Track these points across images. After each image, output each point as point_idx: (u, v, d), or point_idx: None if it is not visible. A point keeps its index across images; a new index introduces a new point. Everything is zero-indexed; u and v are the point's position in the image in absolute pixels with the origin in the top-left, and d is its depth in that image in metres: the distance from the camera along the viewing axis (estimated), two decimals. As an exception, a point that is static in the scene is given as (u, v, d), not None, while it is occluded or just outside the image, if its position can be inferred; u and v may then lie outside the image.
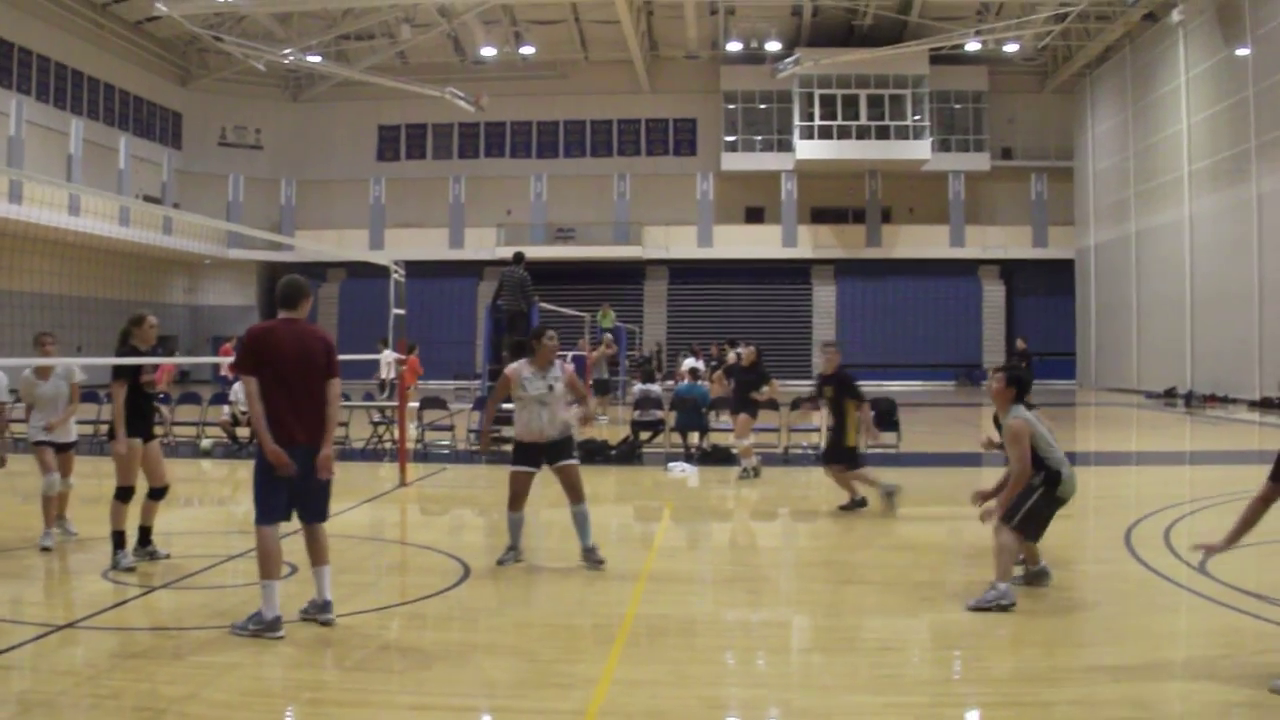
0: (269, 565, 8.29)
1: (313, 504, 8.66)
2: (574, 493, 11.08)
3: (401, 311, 17.55)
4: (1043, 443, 9.77)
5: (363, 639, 8.18)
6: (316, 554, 8.61)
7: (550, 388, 11.14)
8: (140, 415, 11.22)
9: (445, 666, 7.59)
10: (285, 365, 8.48)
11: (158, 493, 11.22)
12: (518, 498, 11.18)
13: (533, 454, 11.16)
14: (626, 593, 9.90)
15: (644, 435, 21.79)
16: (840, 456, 14.70)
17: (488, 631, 8.68)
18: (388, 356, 31.85)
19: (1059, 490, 9.67)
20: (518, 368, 11.30)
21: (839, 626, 8.94)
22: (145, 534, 11.10)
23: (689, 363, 31.99)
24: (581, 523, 11.10)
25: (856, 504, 14.56)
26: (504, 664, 7.78)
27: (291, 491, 8.49)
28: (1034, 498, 9.61)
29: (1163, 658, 7.94)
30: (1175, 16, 41.72)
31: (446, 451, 21.54)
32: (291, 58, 50.16)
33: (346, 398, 25.31)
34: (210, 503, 16.83)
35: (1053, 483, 9.68)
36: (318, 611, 8.55)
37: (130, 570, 10.45)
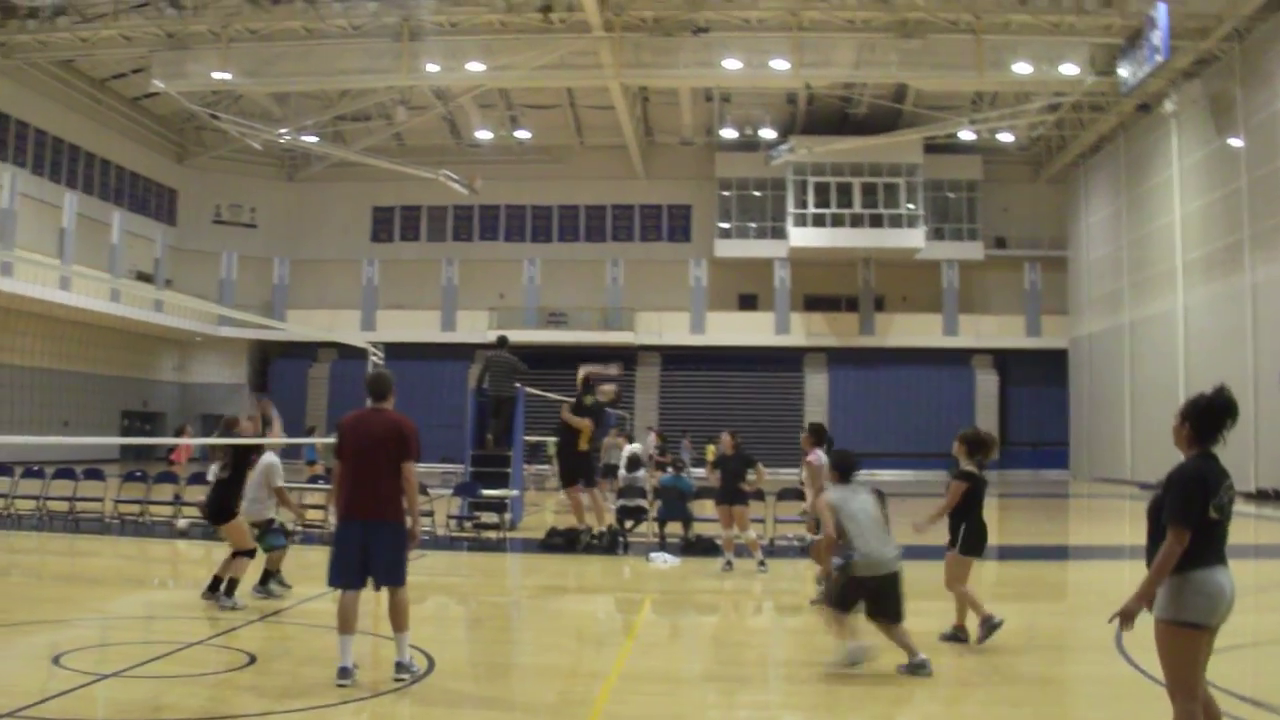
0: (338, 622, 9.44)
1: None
2: None
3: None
4: (851, 522, 10.59)
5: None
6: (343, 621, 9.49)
7: None
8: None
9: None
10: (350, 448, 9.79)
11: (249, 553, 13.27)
12: None
13: None
14: (595, 690, 9.55)
15: (629, 524, 21.43)
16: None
17: (447, 731, 8.33)
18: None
19: (857, 572, 10.32)
20: None
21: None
22: (233, 585, 13.01)
23: (630, 449, 30.18)
24: None
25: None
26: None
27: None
28: (839, 576, 10.54)
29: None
30: (1168, 107, 41.77)
31: (426, 537, 21.15)
32: (288, 137, 50.20)
33: (325, 480, 25.03)
34: (181, 585, 16.44)
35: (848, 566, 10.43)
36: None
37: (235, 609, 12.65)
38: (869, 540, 10.49)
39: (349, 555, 9.48)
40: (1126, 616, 6.17)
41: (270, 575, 14.11)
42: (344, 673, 9.19)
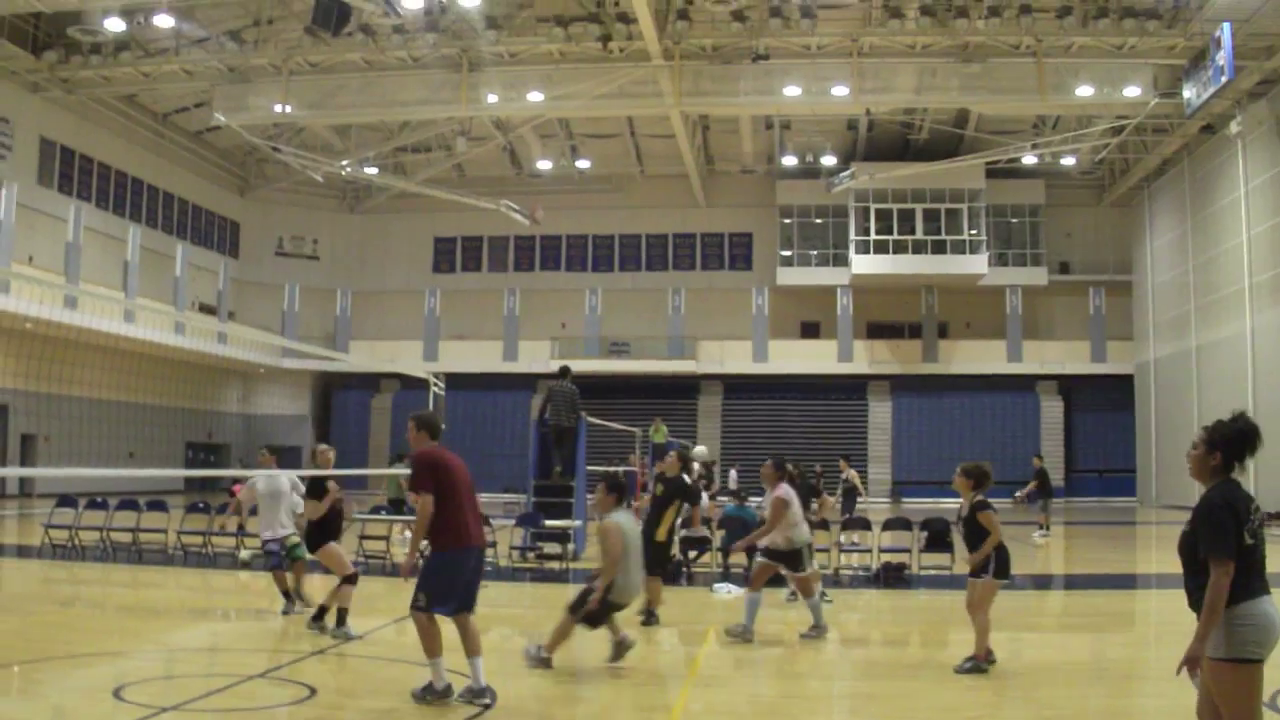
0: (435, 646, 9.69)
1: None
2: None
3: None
4: (627, 551, 11.47)
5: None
6: (473, 644, 9.84)
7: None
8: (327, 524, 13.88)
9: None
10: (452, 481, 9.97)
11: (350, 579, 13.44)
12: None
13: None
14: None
15: (691, 554, 21.31)
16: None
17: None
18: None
19: (612, 595, 11.33)
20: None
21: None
22: (342, 615, 13.19)
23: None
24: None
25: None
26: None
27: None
28: (597, 602, 11.28)
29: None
30: (1234, 128, 41.37)
31: (489, 569, 21.08)
32: (349, 169, 50.51)
33: (387, 510, 25.02)
34: (243, 617, 16.40)
35: (609, 590, 11.31)
36: (477, 696, 9.65)
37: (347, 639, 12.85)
38: (632, 570, 11.60)
39: (468, 581, 9.89)
40: (1193, 664, 6.00)
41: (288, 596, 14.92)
42: (483, 692, 9.63)
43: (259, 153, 54.39)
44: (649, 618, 14.54)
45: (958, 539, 19.96)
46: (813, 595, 13.64)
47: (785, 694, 11.25)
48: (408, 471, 10.90)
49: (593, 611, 11.29)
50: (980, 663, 11.31)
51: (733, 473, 44.75)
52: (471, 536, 9.94)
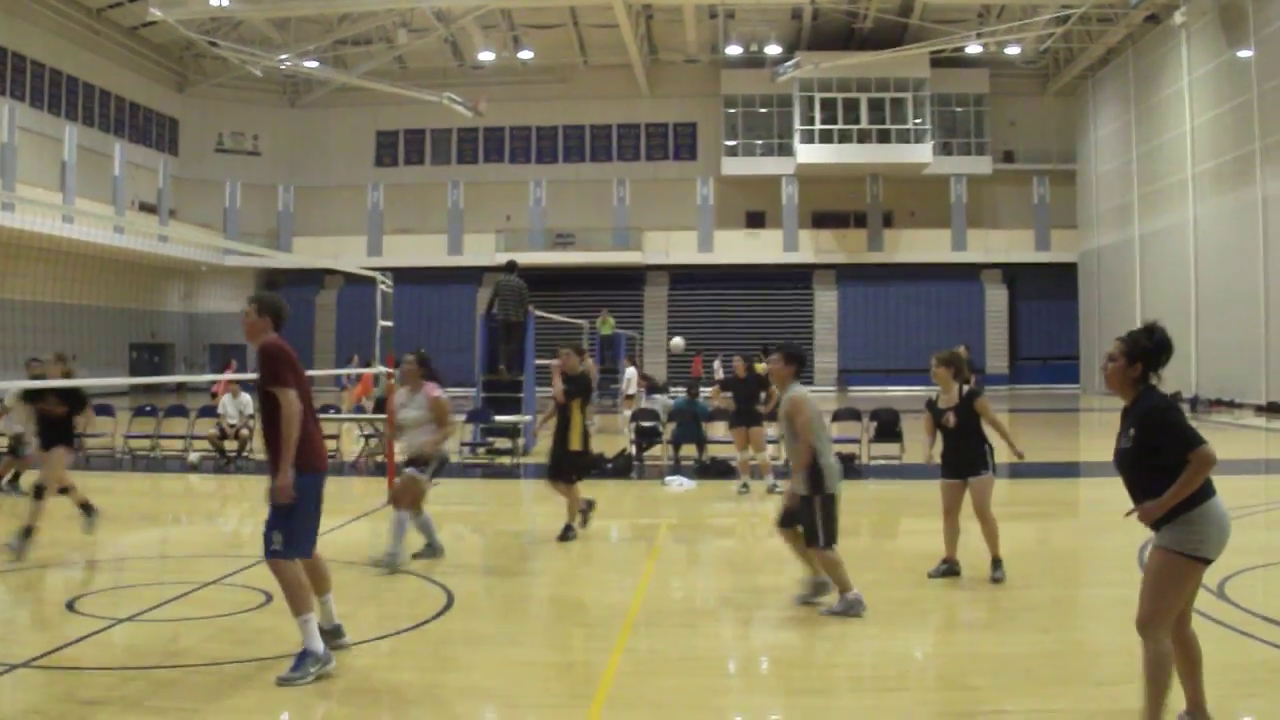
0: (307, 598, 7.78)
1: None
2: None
3: (389, 324, 17.09)
4: (819, 430, 9.74)
5: (333, 679, 7.62)
6: (324, 582, 8.24)
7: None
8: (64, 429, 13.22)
9: (420, 711, 7.11)
10: (306, 385, 8.16)
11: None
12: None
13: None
14: (616, 625, 9.37)
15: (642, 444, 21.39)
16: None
17: (466, 670, 8.09)
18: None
19: (827, 487, 9.52)
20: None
21: (844, 663, 8.43)
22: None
23: (630, 373, 30.58)
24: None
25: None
26: (481, 709, 7.31)
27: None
28: (819, 510, 9.52)
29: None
30: (1178, 18, 41.30)
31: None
32: (289, 63, 49.84)
33: (337, 410, 25.06)
34: (194, 521, 16.34)
35: (818, 483, 9.50)
36: (333, 637, 8.09)
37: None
38: (831, 449, 10.00)
39: (318, 514, 8.12)
40: (1147, 516, 6.10)
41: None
42: (337, 631, 8.26)
43: (196, 47, 53.56)
44: (567, 532, 13.39)
45: (909, 428, 20.11)
46: (421, 513, 12.00)
47: (740, 588, 11.25)
48: (381, 370, 10.06)
49: (832, 518, 9.56)
50: (952, 564, 11.23)
51: (716, 363, 45.09)
52: (321, 458, 8.15)
